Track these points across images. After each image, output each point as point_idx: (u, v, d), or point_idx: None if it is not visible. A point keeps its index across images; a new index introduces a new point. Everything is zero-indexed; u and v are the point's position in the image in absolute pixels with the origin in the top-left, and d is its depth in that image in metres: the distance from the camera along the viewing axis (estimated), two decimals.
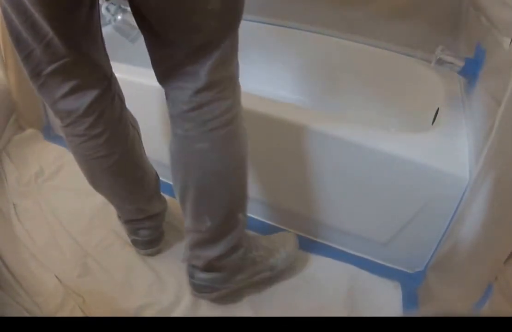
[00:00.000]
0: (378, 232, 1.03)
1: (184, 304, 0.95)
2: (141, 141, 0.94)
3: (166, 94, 0.76)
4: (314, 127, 0.96)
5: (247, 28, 1.59)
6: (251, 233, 0.98)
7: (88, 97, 0.76)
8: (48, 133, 1.48)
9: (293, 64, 1.56)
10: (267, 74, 1.60)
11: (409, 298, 0.99)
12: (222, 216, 0.81)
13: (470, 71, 1.01)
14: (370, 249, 1.08)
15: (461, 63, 1.01)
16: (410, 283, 1.02)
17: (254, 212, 1.17)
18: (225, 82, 0.72)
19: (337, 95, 1.50)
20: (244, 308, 0.95)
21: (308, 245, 1.12)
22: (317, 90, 1.53)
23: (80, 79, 0.74)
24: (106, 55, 0.80)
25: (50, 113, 1.18)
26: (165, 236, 1.08)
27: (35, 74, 0.72)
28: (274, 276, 0.98)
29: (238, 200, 0.83)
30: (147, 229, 1.01)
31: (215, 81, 0.70)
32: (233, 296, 0.95)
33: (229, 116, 0.74)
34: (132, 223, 1.01)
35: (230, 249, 0.85)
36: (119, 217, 1.07)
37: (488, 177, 0.73)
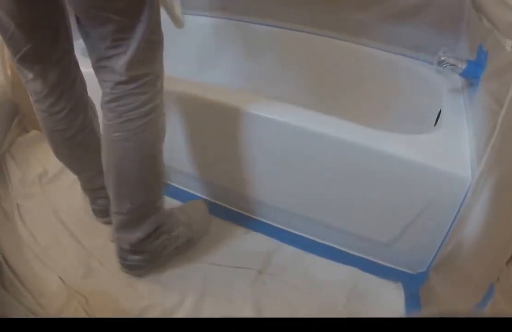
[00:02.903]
0: (380, 233, 1.03)
1: (187, 305, 0.96)
2: (98, 121, 1.04)
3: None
4: (311, 126, 0.96)
5: (249, 30, 1.60)
6: (170, 210, 1.05)
7: (50, 81, 0.88)
8: None
9: (296, 66, 1.56)
10: (270, 77, 1.60)
11: (411, 299, 0.99)
12: (140, 199, 0.91)
13: (472, 73, 1.01)
14: (372, 250, 1.08)
15: (463, 65, 1.01)
16: (412, 284, 1.02)
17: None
18: (146, 78, 0.81)
19: (340, 96, 1.50)
20: (245, 309, 0.96)
21: (310, 246, 1.12)
22: (319, 91, 1.53)
23: (42, 67, 0.86)
24: (70, 43, 0.90)
25: None
26: None
27: (13, 58, 0.85)
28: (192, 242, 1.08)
29: (155, 185, 0.93)
30: (104, 199, 1.09)
31: (133, 76, 0.79)
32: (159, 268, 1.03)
33: (147, 109, 0.83)
34: (90, 191, 1.13)
35: (151, 233, 0.95)
36: (81, 186, 1.16)
37: (490, 178, 0.74)
